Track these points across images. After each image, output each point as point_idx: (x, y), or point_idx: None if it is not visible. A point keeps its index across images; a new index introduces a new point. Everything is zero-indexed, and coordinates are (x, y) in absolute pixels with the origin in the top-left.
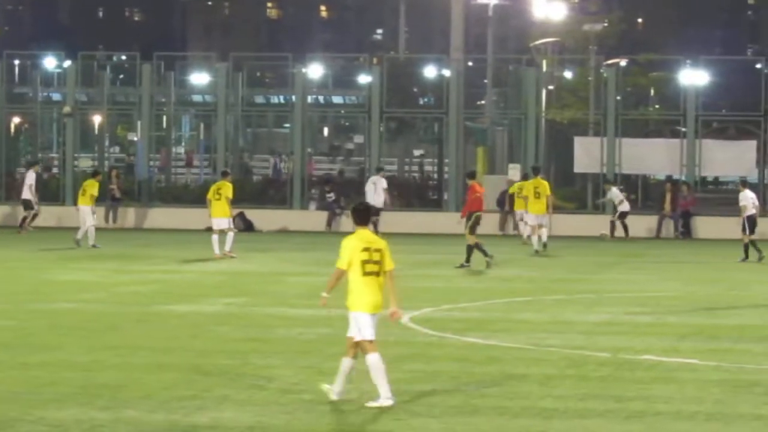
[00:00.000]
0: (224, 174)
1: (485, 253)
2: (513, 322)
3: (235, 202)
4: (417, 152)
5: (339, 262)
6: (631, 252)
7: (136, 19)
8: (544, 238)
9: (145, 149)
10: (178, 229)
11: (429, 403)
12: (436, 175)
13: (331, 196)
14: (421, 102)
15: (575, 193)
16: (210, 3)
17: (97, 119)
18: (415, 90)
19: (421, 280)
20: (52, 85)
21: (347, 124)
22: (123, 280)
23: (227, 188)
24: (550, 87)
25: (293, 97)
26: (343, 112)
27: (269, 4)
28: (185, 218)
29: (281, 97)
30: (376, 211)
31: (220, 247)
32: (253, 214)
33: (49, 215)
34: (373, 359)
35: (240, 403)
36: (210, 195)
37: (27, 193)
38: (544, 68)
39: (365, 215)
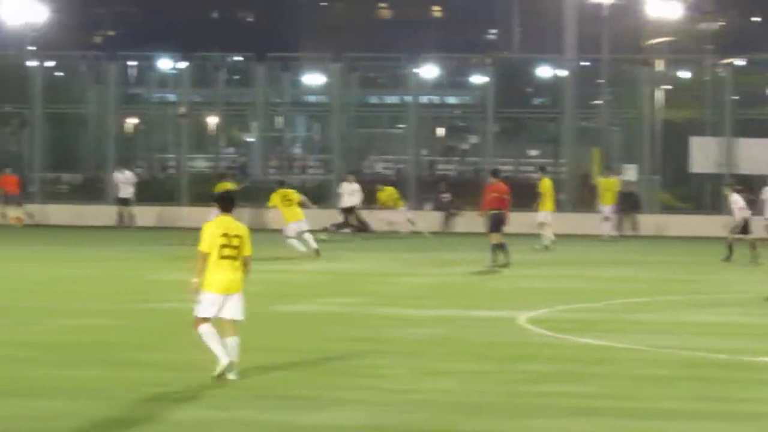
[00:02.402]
0: (281, 183)
1: (501, 256)
2: (628, 323)
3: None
4: (532, 152)
5: (199, 246)
6: (749, 253)
7: (250, 20)
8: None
9: (259, 150)
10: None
11: (544, 404)
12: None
13: (447, 196)
14: (536, 102)
15: (691, 193)
16: (323, 4)
17: (211, 120)
18: (530, 90)
19: (534, 280)
20: (166, 86)
21: (462, 124)
22: None
23: (294, 194)
24: (665, 87)
25: (407, 98)
26: (456, 112)
27: (382, 5)
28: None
29: (395, 98)
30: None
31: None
32: (368, 215)
33: (164, 215)
34: (202, 328)
35: (354, 403)
36: (278, 202)
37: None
38: (659, 68)
39: (229, 203)
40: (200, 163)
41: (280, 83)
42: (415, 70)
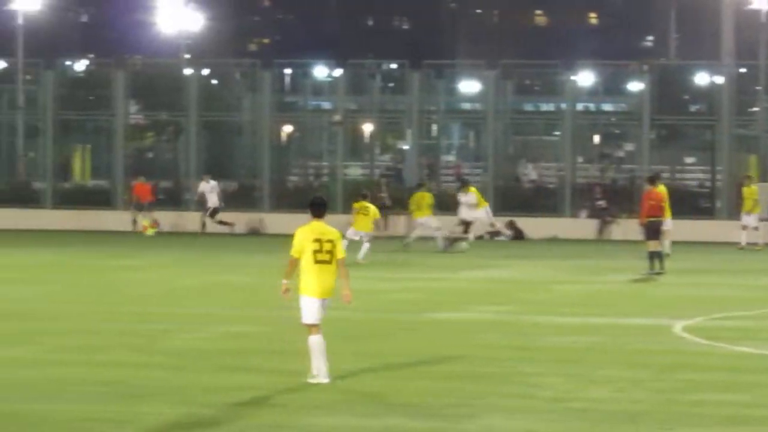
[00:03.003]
0: (364, 197)
1: (657, 264)
2: None
3: (506, 209)
4: (688, 160)
5: (291, 251)
6: None
7: (405, 27)
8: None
9: (415, 157)
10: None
11: (700, 413)
12: (708, 183)
13: (602, 203)
14: (692, 109)
15: None
16: (479, 11)
17: (366, 127)
18: (686, 97)
19: (688, 288)
20: (321, 93)
21: (617, 131)
22: (391, 287)
23: (370, 207)
24: None
25: (562, 105)
26: (612, 119)
27: (537, 12)
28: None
29: (550, 105)
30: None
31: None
32: (523, 222)
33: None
34: (312, 340)
35: (509, 411)
36: (359, 206)
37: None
38: None
39: (321, 209)
40: (355, 171)
41: (435, 90)
42: (571, 77)
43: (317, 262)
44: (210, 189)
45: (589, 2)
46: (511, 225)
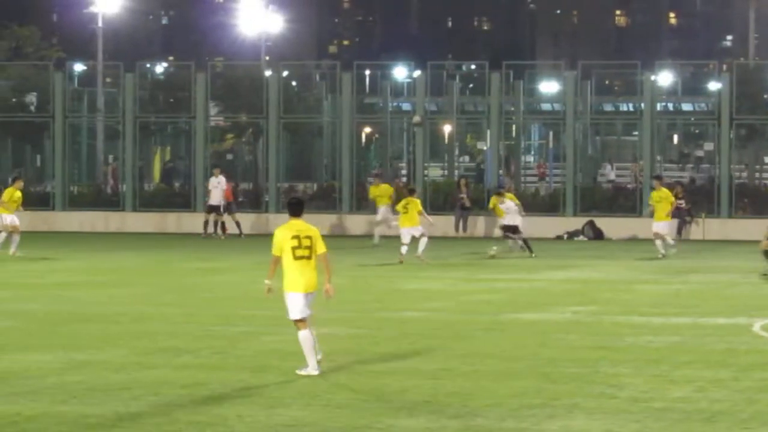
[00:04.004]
0: (411, 191)
1: None
2: None
3: (584, 209)
4: None
5: (272, 250)
6: None
7: (485, 28)
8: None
9: (494, 158)
10: (527, 237)
11: None
12: None
13: (682, 203)
14: None
15: None
16: (558, 12)
17: (446, 128)
18: (766, 96)
19: (763, 288)
20: (401, 94)
21: (696, 131)
22: (471, 288)
23: (415, 203)
24: None
25: (642, 105)
26: (692, 119)
27: (617, 12)
28: (535, 226)
29: (630, 105)
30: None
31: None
32: (603, 222)
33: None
34: (302, 335)
35: (590, 411)
36: (399, 208)
37: (219, 199)
38: None
39: (298, 208)
40: (435, 172)
41: (515, 91)
42: (650, 77)
43: (297, 258)
44: (216, 184)
45: (669, 2)
46: (591, 225)
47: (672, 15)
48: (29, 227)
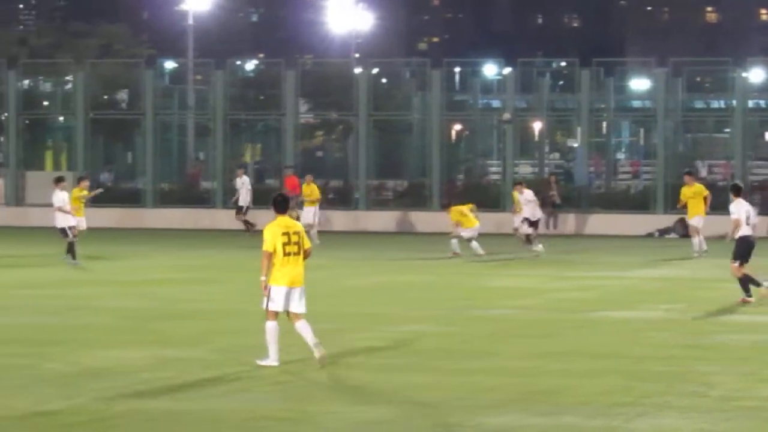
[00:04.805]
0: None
1: None
2: None
3: (675, 207)
4: None
5: (264, 246)
6: None
7: (575, 25)
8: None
9: (584, 155)
10: (617, 235)
11: None
12: None
13: None
14: None
15: None
16: (649, 8)
17: (536, 126)
18: None
19: None
20: (491, 92)
21: None
22: (561, 286)
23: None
24: None
25: (733, 102)
26: None
27: (708, 9)
28: (625, 224)
29: (721, 102)
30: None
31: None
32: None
33: (488, 222)
34: (269, 326)
35: (681, 410)
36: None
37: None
38: None
39: (284, 205)
40: (525, 169)
41: (605, 88)
42: (741, 74)
43: (286, 254)
44: (240, 184)
45: None
46: (682, 223)
47: (763, 11)
48: (119, 224)
